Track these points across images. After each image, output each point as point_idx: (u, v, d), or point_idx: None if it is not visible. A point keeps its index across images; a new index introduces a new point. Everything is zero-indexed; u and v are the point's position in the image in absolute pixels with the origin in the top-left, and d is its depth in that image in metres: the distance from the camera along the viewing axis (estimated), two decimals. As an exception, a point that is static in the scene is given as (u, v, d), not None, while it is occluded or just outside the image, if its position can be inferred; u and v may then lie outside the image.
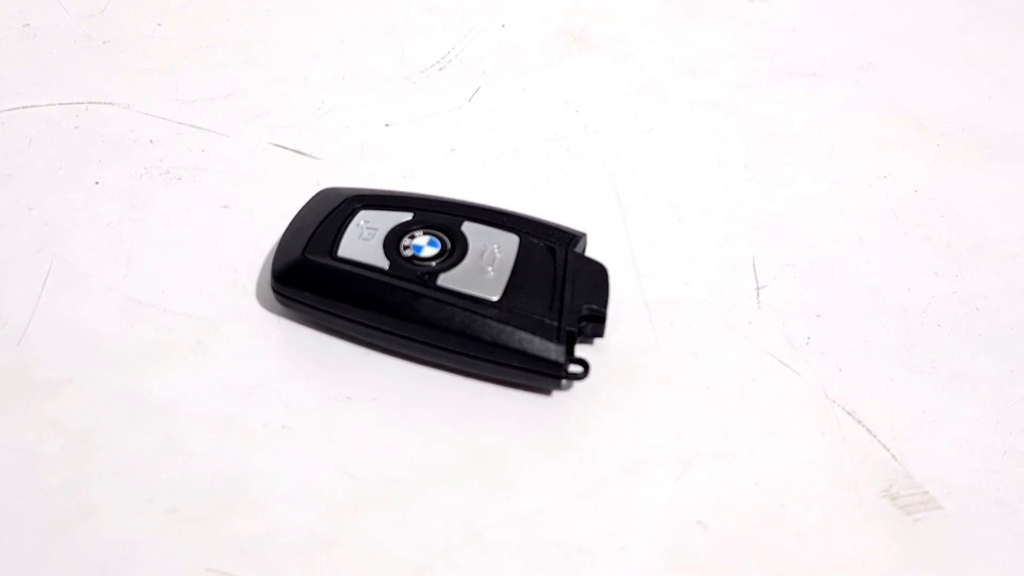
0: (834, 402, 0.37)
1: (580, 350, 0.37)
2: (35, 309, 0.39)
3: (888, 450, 0.35)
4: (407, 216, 0.39)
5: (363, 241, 0.38)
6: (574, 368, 0.36)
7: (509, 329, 0.36)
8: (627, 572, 0.32)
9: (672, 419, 0.36)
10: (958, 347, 0.39)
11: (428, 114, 0.48)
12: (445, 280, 0.37)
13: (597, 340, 0.38)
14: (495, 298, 0.36)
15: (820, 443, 0.36)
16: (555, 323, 0.36)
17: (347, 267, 0.37)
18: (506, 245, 0.38)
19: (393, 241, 0.38)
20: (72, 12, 0.53)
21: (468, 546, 0.33)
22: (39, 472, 0.34)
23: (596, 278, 0.38)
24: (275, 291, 0.38)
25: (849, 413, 0.36)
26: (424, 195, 0.40)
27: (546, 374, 0.36)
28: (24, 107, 0.48)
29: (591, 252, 0.40)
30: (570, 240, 0.39)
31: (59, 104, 0.48)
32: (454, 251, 0.38)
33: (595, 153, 0.46)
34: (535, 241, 0.38)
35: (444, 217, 0.39)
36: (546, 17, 0.54)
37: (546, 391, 0.37)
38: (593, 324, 0.37)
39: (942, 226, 0.43)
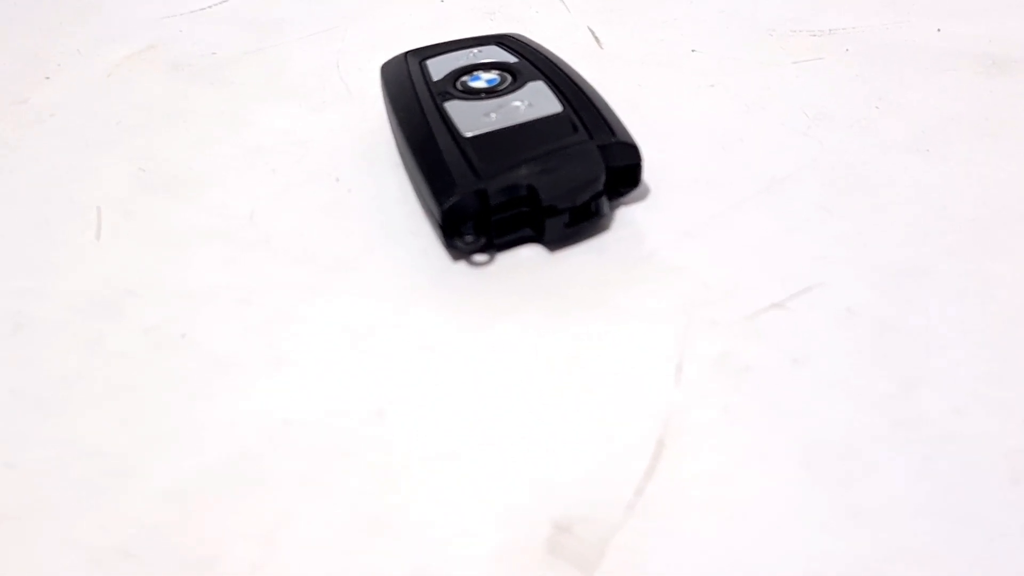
0: (665, 429, 0.25)
1: (541, 250, 0.32)
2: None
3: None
4: (513, 61, 0.36)
5: (456, 61, 0.37)
6: (465, 231, 0.31)
7: (442, 160, 0.32)
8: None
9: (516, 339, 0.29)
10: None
11: (739, 61, 0.42)
12: (451, 106, 0.34)
13: (565, 251, 0.32)
14: (467, 135, 0.32)
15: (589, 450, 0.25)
16: (477, 180, 0.31)
17: (414, 71, 0.36)
18: (539, 107, 0.33)
19: (467, 69, 0.36)
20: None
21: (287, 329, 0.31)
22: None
23: (582, 176, 0.31)
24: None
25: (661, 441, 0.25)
26: (554, 61, 0.36)
27: (438, 223, 0.31)
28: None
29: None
30: (608, 138, 0.32)
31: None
32: (494, 94, 0.34)
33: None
34: (572, 120, 0.33)
35: (533, 72, 0.35)
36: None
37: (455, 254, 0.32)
38: (540, 211, 0.31)
39: None
